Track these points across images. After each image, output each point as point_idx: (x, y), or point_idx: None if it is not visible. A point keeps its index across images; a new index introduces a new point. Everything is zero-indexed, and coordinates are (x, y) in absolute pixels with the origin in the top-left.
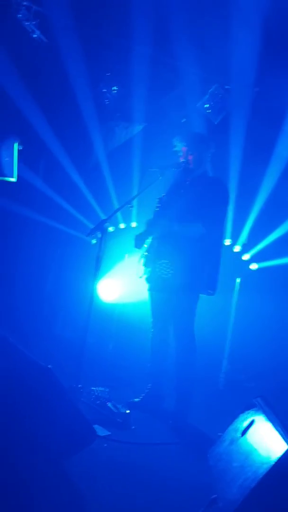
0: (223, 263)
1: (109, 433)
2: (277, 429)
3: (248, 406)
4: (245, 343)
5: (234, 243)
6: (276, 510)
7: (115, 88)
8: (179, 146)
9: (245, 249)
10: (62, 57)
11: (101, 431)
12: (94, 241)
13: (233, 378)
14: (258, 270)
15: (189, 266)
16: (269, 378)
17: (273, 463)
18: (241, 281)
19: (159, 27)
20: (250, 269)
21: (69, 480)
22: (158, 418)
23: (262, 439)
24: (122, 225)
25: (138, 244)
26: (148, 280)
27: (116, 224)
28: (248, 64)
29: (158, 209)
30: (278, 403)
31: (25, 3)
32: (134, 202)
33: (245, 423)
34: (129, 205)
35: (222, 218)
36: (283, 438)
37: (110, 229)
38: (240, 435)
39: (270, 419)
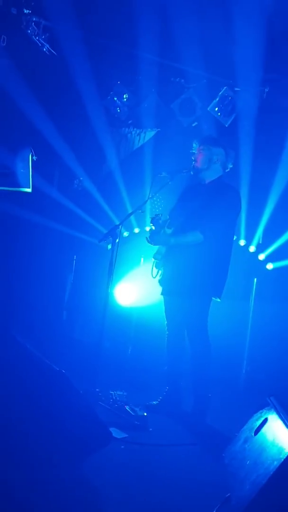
0: (240, 264)
1: (126, 435)
2: (287, 427)
3: (262, 405)
4: (264, 342)
5: (249, 243)
6: (287, 506)
7: (126, 95)
8: (195, 148)
9: (260, 249)
10: (72, 69)
11: (118, 433)
12: (109, 246)
13: (253, 378)
14: (275, 269)
15: (197, 271)
16: None
17: (284, 459)
18: (258, 281)
19: (163, 33)
20: (267, 269)
21: (85, 480)
22: (176, 420)
23: (274, 436)
24: (136, 230)
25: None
26: (160, 283)
27: (130, 229)
28: (254, 63)
29: (152, 225)
30: None
31: (34, 18)
32: (146, 207)
33: (258, 422)
34: (140, 211)
35: (229, 225)
36: None
37: (125, 234)
38: (254, 433)
39: (282, 417)
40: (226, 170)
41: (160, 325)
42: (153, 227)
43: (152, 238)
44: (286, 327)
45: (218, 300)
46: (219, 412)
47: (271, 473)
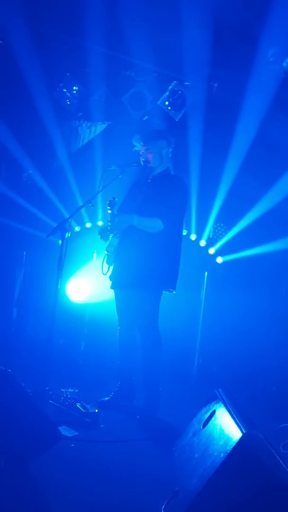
0: (191, 258)
1: (77, 433)
2: (233, 419)
3: (211, 397)
4: (215, 335)
5: (199, 238)
6: (233, 498)
7: (75, 87)
8: (138, 146)
9: (210, 243)
10: (18, 59)
11: (69, 431)
12: (60, 242)
13: (205, 370)
14: (224, 262)
15: (149, 262)
16: (241, 369)
17: (229, 451)
18: (208, 274)
19: (111, 24)
20: (217, 263)
21: (33, 481)
22: (128, 415)
23: (221, 428)
24: (88, 224)
25: (104, 236)
26: (111, 277)
27: (82, 224)
28: (202, 58)
29: (109, 209)
30: (247, 392)
31: None
32: (97, 201)
33: (207, 415)
34: (90, 205)
35: (180, 215)
36: (239, 426)
37: (77, 228)
38: (202, 426)
39: (229, 409)
40: (169, 156)
41: (113, 321)
42: (110, 211)
43: (113, 220)
44: (236, 319)
45: (174, 292)
46: (171, 406)
47: (218, 465)
